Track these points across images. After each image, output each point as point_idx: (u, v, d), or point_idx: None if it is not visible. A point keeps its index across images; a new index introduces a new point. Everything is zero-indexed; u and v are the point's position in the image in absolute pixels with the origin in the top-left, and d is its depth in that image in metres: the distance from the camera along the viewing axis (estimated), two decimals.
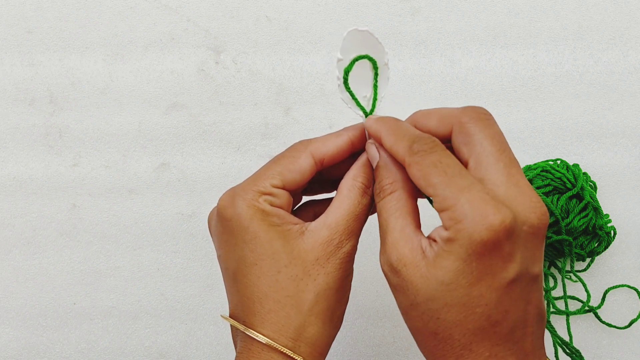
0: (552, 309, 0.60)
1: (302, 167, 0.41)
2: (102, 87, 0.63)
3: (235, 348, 0.43)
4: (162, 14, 0.64)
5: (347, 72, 0.41)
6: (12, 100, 0.63)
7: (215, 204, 0.43)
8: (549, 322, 0.59)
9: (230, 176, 0.62)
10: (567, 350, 0.59)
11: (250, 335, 0.40)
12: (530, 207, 0.36)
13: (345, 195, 0.41)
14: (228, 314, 0.43)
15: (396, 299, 0.39)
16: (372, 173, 0.42)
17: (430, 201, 0.38)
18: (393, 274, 0.38)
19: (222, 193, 0.42)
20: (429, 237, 0.37)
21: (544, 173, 0.58)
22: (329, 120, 0.62)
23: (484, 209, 0.35)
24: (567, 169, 0.59)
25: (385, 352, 0.61)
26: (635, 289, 0.60)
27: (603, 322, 0.60)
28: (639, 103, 0.62)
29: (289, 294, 0.40)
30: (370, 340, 0.61)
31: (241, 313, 0.41)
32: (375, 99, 0.43)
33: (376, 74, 0.42)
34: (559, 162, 0.60)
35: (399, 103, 0.63)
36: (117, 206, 0.62)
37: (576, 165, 0.59)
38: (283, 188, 0.41)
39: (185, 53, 0.64)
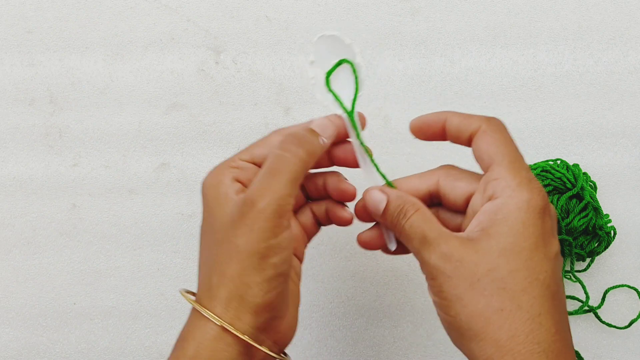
0: None
1: (270, 141, 0.43)
2: (102, 87, 0.63)
3: None
4: (162, 14, 0.64)
5: (328, 75, 0.45)
6: (12, 100, 0.63)
7: None
8: None
9: None
10: None
11: (184, 298, 0.42)
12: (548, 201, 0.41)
13: (267, 158, 0.42)
14: None
15: (447, 292, 0.38)
16: (301, 130, 0.43)
17: None
18: (446, 261, 0.38)
19: None
20: (465, 232, 0.40)
21: (544, 173, 0.58)
22: None
23: (536, 185, 0.39)
24: (567, 169, 0.59)
25: (385, 352, 0.61)
26: (635, 289, 0.60)
27: (603, 322, 0.60)
28: (639, 103, 0.62)
29: (211, 255, 0.41)
30: (370, 340, 0.61)
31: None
32: (355, 99, 0.45)
33: (356, 76, 0.45)
34: (559, 162, 0.60)
35: (398, 103, 0.63)
36: (117, 206, 0.62)
37: (576, 165, 0.59)
38: (252, 162, 0.43)
39: (185, 53, 0.64)
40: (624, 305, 0.61)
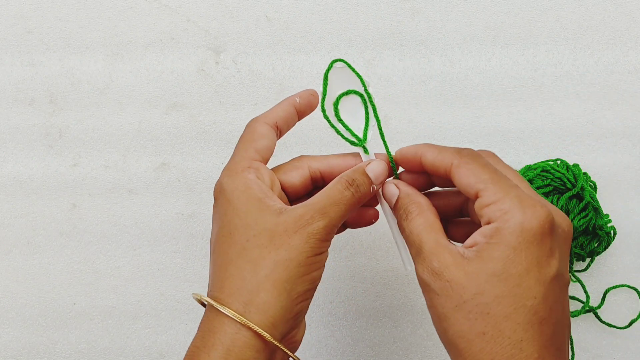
0: None
1: (262, 132, 0.46)
2: (102, 87, 0.63)
3: None
4: (162, 14, 0.64)
5: (336, 107, 0.46)
6: (12, 100, 0.63)
7: None
8: None
9: None
10: None
11: (206, 301, 0.42)
12: (561, 216, 0.41)
13: (328, 186, 0.44)
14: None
15: (435, 307, 0.40)
16: (360, 176, 0.45)
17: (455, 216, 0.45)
18: (435, 278, 0.39)
19: None
20: (463, 246, 0.40)
21: (544, 173, 0.58)
22: None
23: (531, 203, 0.39)
24: (567, 169, 0.59)
25: (385, 352, 0.61)
26: (635, 289, 0.60)
27: (603, 322, 0.60)
28: (639, 103, 0.62)
29: (251, 259, 0.41)
30: (370, 340, 0.61)
31: (211, 284, 0.43)
32: (366, 128, 0.47)
33: (366, 106, 0.47)
34: (559, 162, 0.60)
35: (398, 103, 0.63)
36: (117, 206, 0.62)
37: (576, 165, 0.59)
38: (262, 161, 0.45)
39: (185, 53, 0.64)
40: (624, 305, 0.61)
